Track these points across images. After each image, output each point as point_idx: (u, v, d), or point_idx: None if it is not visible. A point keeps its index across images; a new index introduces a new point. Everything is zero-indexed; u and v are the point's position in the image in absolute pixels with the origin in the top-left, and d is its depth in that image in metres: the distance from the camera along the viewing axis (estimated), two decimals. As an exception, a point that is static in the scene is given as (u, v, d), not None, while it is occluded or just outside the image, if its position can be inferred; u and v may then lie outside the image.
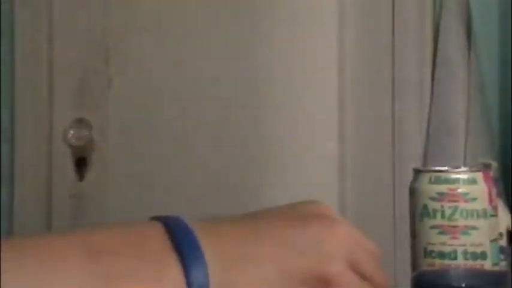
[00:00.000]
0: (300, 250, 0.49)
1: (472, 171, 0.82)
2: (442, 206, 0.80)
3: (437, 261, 0.80)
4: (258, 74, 1.69)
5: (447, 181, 0.81)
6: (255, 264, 0.47)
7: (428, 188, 0.82)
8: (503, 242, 0.84)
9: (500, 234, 0.84)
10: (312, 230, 0.50)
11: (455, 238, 0.80)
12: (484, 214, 0.81)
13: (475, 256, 0.80)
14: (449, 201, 0.80)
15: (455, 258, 0.79)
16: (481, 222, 0.80)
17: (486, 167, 0.87)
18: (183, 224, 0.47)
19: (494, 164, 1.62)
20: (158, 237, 0.46)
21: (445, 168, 0.83)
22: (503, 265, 0.82)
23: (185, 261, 0.45)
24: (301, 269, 0.48)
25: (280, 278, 0.47)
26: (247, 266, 0.47)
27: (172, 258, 0.45)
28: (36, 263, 0.42)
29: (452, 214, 0.80)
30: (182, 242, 0.46)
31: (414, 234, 0.83)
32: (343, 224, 0.51)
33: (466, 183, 0.81)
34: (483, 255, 0.80)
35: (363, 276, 0.51)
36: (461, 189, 0.81)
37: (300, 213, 0.52)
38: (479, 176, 0.82)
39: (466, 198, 0.81)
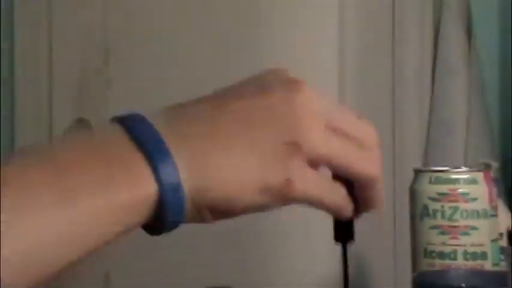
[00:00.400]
0: (264, 119, 0.46)
1: (472, 171, 0.82)
2: (442, 206, 0.80)
3: (438, 262, 0.80)
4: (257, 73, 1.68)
5: (447, 181, 0.81)
6: (223, 144, 0.46)
7: (429, 188, 0.82)
8: (504, 242, 0.84)
9: (500, 234, 0.84)
10: (275, 96, 0.47)
11: (455, 238, 0.80)
12: (484, 214, 0.81)
13: (475, 256, 0.80)
14: (450, 201, 0.81)
15: (455, 258, 0.79)
16: (481, 222, 0.80)
17: (486, 167, 0.87)
18: (143, 121, 0.46)
19: (494, 164, 1.62)
20: (120, 139, 0.45)
21: (445, 168, 0.83)
22: (503, 265, 0.82)
23: (152, 160, 0.44)
24: (270, 138, 0.46)
25: (251, 153, 0.46)
26: (214, 149, 0.45)
27: (138, 160, 0.44)
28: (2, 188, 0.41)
29: (453, 214, 0.80)
30: (145, 141, 0.44)
31: (414, 235, 0.83)
32: (307, 86, 0.49)
33: (466, 183, 0.81)
34: (483, 256, 0.80)
35: (344, 134, 0.49)
36: (461, 189, 0.81)
37: (260, 83, 0.49)
38: (479, 176, 0.82)
39: (466, 198, 0.81)
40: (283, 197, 0.47)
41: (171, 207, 0.44)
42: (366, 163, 0.50)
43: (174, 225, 0.45)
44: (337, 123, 0.49)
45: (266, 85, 0.49)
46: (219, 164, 0.45)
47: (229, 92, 0.50)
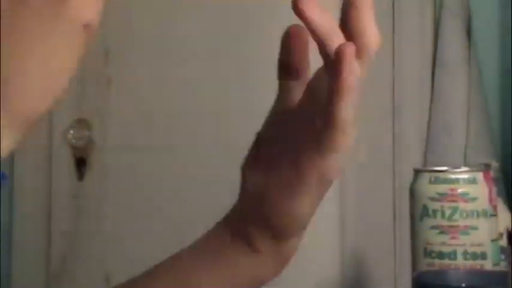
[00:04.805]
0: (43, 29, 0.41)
1: (472, 171, 0.82)
2: (442, 206, 0.81)
3: (437, 262, 0.80)
4: (259, 74, 1.68)
5: (447, 181, 0.81)
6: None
7: (429, 188, 0.82)
8: (503, 242, 0.84)
9: (500, 234, 0.84)
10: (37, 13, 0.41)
11: (455, 238, 0.80)
12: (484, 214, 0.81)
13: (475, 256, 0.80)
14: (449, 201, 0.81)
15: (455, 258, 0.79)
16: (481, 222, 0.81)
17: (486, 167, 0.87)
18: None
19: (494, 164, 1.62)
20: None
21: (445, 168, 0.83)
22: (503, 265, 0.82)
23: None
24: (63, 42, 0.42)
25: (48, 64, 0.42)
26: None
27: None
28: None
29: (452, 214, 0.80)
30: None
31: (414, 235, 0.83)
32: None
33: (466, 183, 0.81)
34: (483, 255, 0.80)
35: None
36: (461, 189, 0.81)
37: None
38: (479, 176, 0.82)
39: (466, 198, 0.81)
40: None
41: None
42: None
43: None
44: None
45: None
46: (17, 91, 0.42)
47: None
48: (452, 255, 0.79)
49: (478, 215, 0.80)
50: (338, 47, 0.52)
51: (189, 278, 0.62)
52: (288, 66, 0.59)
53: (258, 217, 0.58)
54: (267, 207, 0.57)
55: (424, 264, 0.80)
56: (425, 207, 0.81)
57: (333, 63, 0.53)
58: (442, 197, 0.80)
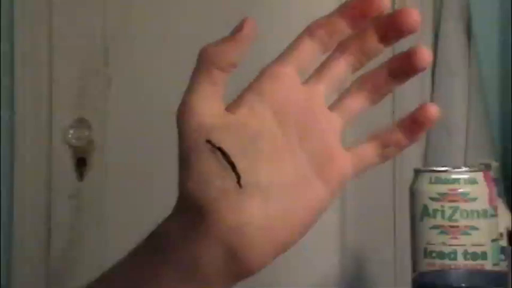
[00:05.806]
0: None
1: (472, 171, 0.82)
2: (443, 206, 0.80)
3: (438, 262, 0.80)
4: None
5: (447, 181, 0.81)
6: None
7: (429, 188, 0.82)
8: (504, 242, 0.84)
9: (501, 234, 0.84)
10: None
11: (455, 238, 0.80)
12: (484, 214, 0.81)
13: (475, 256, 0.80)
14: (450, 201, 0.81)
15: (455, 258, 0.79)
16: (481, 222, 0.80)
17: (486, 167, 0.87)
18: None
19: (494, 164, 1.62)
20: None
21: (445, 168, 0.83)
22: (503, 265, 0.82)
23: None
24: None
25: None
26: None
27: None
28: None
29: (453, 214, 0.80)
30: None
31: (414, 235, 0.83)
32: None
33: (466, 183, 0.81)
34: (483, 256, 0.80)
35: None
36: (461, 189, 0.81)
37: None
38: (479, 176, 0.82)
39: (466, 198, 0.81)
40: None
41: None
42: None
43: None
44: None
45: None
46: None
47: None
48: (453, 255, 0.79)
49: (478, 215, 0.80)
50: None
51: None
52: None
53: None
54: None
55: (425, 264, 0.80)
56: (425, 207, 0.81)
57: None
58: (442, 197, 0.80)
